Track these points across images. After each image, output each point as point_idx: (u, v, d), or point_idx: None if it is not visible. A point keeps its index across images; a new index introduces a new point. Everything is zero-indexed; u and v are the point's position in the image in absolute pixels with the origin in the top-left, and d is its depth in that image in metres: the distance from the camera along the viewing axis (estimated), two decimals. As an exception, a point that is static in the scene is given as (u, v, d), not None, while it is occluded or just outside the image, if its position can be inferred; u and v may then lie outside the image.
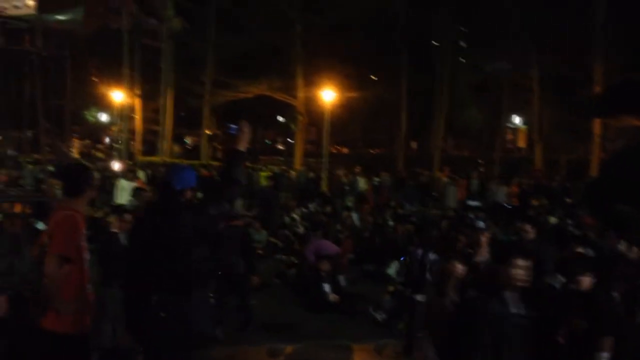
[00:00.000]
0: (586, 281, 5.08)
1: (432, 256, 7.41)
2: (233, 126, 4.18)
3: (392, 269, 10.49)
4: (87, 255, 4.15)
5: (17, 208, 9.78)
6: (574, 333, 4.88)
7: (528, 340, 4.00)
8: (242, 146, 4.15)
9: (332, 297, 9.51)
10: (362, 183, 20.33)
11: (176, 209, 4.10)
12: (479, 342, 3.90)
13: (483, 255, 5.83)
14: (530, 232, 7.39)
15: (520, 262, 4.01)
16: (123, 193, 14.41)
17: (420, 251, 7.65)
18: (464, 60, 32.09)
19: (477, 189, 18.81)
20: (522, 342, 3.97)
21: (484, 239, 5.98)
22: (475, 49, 30.64)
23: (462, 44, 33.03)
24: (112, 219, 7.24)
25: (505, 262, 4.03)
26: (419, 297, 7.25)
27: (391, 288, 9.05)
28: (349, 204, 17.27)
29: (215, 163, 27.64)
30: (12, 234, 7.43)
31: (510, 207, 15.26)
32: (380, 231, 13.57)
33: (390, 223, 13.97)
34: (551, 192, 17.42)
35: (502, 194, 17.58)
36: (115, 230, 6.96)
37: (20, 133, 36.24)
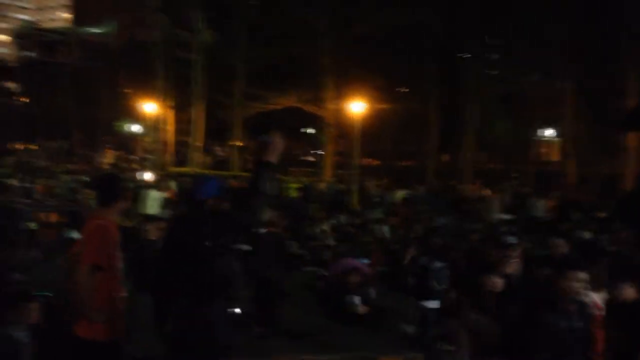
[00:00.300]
0: (630, 291, 4.99)
1: (437, 264, 7.36)
2: (264, 136, 4.16)
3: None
4: (119, 264, 4.19)
5: (52, 218, 9.97)
6: (613, 346, 4.79)
7: (586, 354, 3.99)
8: (272, 157, 4.09)
9: (362, 308, 9.45)
10: (398, 195, 20.18)
11: (198, 218, 4.14)
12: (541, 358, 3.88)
13: (512, 270, 5.75)
14: (562, 246, 7.27)
15: (580, 275, 4.00)
16: (153, 203, 14.57)
17: (425, 258, 7.67)
18: (494, 72, 31.87)
19: (511, 202, 18.61)
20: (582, 356, 3.95)
21: (514, 254, 5.91)
22: (506, 60, 30.41)
23: (493, 56, 32.83)
24: (149, 227, 7.37)
25: (564, 275, 4.01)
26: (430, 304, 7.28)
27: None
28: (379, 216, 17.21)
29: (245, 174, 27.80)
30: (46, 242, 7.57)
31: (545, 220, 15.09)
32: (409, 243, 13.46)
33: (419, 235, 13.86)
34: (584, 206, 17.17)
35: (540, 207, 17.37)
36: (152, 238, 7.09)
37: (54, 143, 36.92)
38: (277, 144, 4.14)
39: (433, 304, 7.40)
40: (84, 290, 4.05)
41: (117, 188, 4.40)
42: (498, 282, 5.10)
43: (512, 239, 5.87)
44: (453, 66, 30.83)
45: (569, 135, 27.45)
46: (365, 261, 11.05)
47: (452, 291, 9.05)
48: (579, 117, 26.34)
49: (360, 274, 9.93)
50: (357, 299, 9.51)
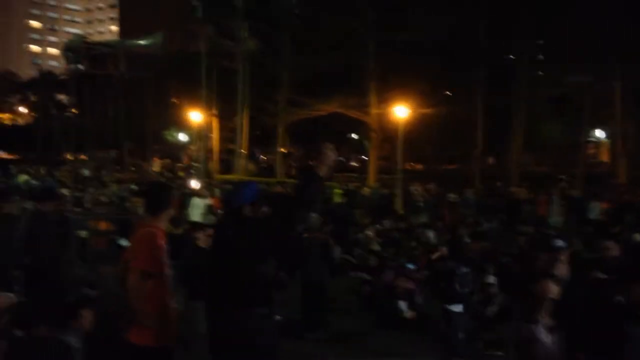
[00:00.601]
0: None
1: (463, 269, 7.40)
2: (314, 145, 4.12)
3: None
4: (169, 271, 4.26)
5: (102, 226, 10.20)
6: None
7: None
8: (322, 169, 3.97)
9: (409, 314, 9.40)
10: (452, 198, 19.90)
11: (235, 224, 4.17)
12: None
13: (561, 273, 5.63)
14: (613, 249, 7.10)
15: None
16: (199, 211, 14.77)
17: (452, 262, 7.62)
18: (542, 74, 31.34)
19: (561, 205, 18.22)
20: None
21: (562, 257, 5.79)
22: (554, 61, 29.86)
23: (541, 57, 32.30)
24: (198, 235, 7.49)
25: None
26: (455, 308, 7.22)
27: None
28: (424, 220, 17.07)
29: (290, 181, 27.95)
30: (97, 250, 7.77)
31: (597, 223, 14.75)
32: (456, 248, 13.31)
33: (467, 240, 13.71)
34: (636, 208, 16.70)
35: (595, 210, 16.97)
36: (201, 245, 7.21)
37: (104, 153, 37.78)
38: (328, 156, 3.99)
39: (457, 308, 7.42)
40: (135, 296, 4.12)
41: (164, 196, 4.47)
42: (553, 288, 4.98)
43: (560, 242, 5.75)
44: (500, 68, 30.39)
45: (618, 136, 26.79)
46: (411, 266, 10.97)
47: (503, 297, 8.94)
48: (628, 117, 25.70)
49: (407, 279, 9.88)
50: (403, 305, 9.47)
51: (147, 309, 4.10)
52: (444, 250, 9.35)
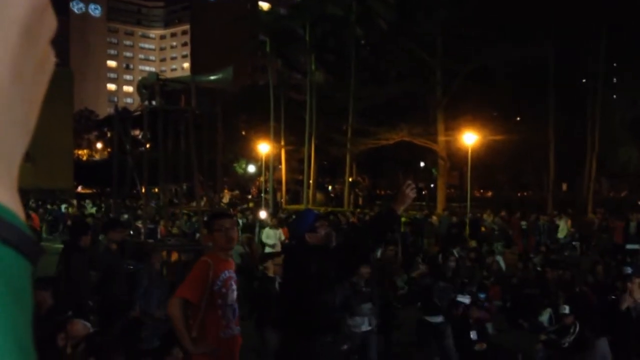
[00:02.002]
0: None
1: (441, 284, 8.14)
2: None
3: (544, 317, 9.94)
4: (223, 301, 4.20)
5: (174, 257, 10.44)
6: None
7: None
8: (399, 208, 4.07)
9: (479, 345, 9.16)
10: (562, 225, 19.47)
11: (300, 253, 4.23)
12: None
13: (629, 301, 5.41)
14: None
15: None
16: (269, 240, 14.96)
17: (429, 279, 8.42)
18: (615, 97, 30.39)
19: (637, 232, 17.47)
20: None
21: (631, 285, 5.58)
22: (629, 82, 28.90)
23: (615, 79, 31.37)
24: (267, 264, 7.58)
25: None
26: (433, 319, 7.92)
27: (543, 337, 8.58)
28: (496, 248, 16.69)
29: (357, 210, 27.91)
30: (170, 281, 7.95)
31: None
32: (529, 277, 12.96)
33: (539, 269, 13.32)
34: None
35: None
36: (271, 275, 7.29)
37: (176, 186, 38.77)
38: (408, 197, 4.08)
39: (436, 319, 8.01)
40: (174, 323, 4.10)
41: (208, 225, 4.50)
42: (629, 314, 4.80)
43: (627, 269, 5.55)
44: (572, 93, 29.61)
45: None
46: (482, 296, 10.72)
47: (580, 326, 8.61)
48: None
49: (478, 309, 9.65)
50: (473, 334, 9.24)
51: (197, 337, 4.12)
52: (423, 269, 10.16)
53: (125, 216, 16.62)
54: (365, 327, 7.38)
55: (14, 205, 0.41)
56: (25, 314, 0.40)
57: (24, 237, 0.41)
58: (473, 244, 17.30)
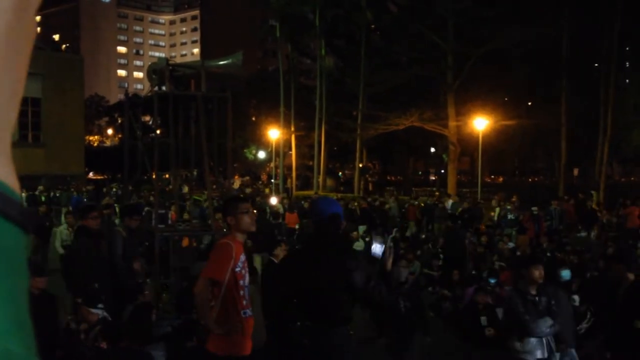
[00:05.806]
0: None
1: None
2: (377, 246, 4.25)
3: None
4: (243, 282, 4.30)
5: (185, 242, 10.49)
6: None
7: None
8: (389, 265, 4.36)
9: (488, 331, 9.17)
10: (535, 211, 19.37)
11: (319, 244, 4.25)
12: None
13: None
14: None
15: None
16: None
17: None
18: (628, 81, 30.11)
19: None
20: None
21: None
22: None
23: (628, 63, 31.06)
24: (277, 251, 7.60)
25: None
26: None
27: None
28: (506, 233, 16.66)
29: (369, 197, 27.86)
30: (181, 267, 8.02)
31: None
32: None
33: (548, 254, 13.28)
34: None
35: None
36: (276, 261, 7.32)
37: (186, 171, 38.87)
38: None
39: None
40: (199, 302, 4.20)
41: (228, 209, 4.52)
42: None
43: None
44: (585, 77, 29.33)
45: None
46: (493, 281, 10.71)
47: (594, 312, 8.58)
48: None
49: (486, 294, 9.64)
50: (484, 320, 9.24)
51: (217, 317, 4.17)
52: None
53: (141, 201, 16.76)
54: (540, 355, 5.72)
55: (11, 179, 0.42)
56: (23, 285, 0.41)
57: (22, 210, 0.42)
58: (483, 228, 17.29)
